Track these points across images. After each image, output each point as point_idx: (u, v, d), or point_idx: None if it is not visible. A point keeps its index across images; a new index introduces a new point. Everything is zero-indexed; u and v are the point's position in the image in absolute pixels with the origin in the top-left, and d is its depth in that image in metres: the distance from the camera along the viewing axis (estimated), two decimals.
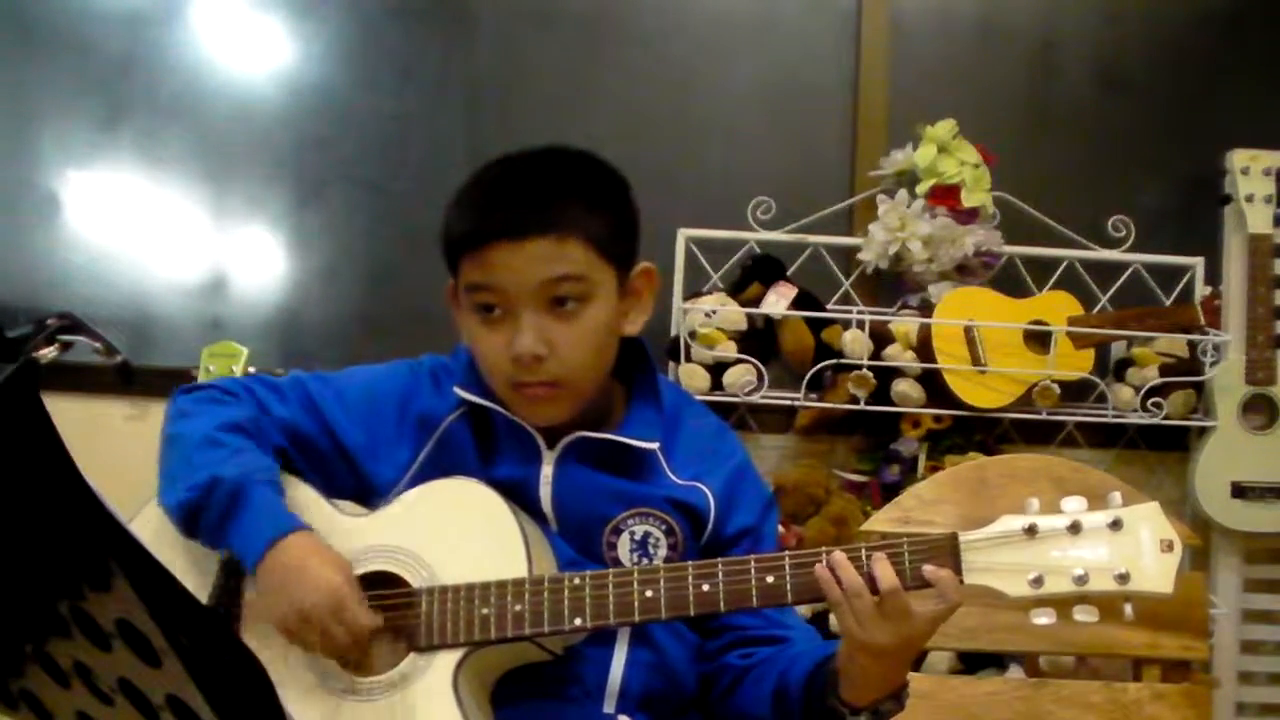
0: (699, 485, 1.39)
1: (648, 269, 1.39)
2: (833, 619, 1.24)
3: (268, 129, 2.60)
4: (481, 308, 1.32)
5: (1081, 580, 1.16)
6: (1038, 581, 1.17)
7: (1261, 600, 2.58)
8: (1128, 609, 1.17)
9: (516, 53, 2.64)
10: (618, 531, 1.36)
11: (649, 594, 1.25)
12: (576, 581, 1.26)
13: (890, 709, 1.24)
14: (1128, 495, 1.20)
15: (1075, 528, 1.18)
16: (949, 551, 1.20)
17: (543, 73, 2.63)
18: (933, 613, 1.19)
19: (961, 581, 1.20)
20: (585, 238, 1.30)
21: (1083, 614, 1.18)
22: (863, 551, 1.21)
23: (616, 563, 1.35)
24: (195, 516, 1.30)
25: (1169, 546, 1.17)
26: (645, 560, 1.35)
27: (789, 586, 1.23)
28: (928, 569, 1.19)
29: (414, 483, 1.37)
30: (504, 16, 2.64)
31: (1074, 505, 1.20)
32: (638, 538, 1.36)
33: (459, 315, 1.39)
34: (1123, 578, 1.16)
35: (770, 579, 1.23)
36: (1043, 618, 1.19)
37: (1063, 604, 1.18)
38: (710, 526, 1.38)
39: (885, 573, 1.18)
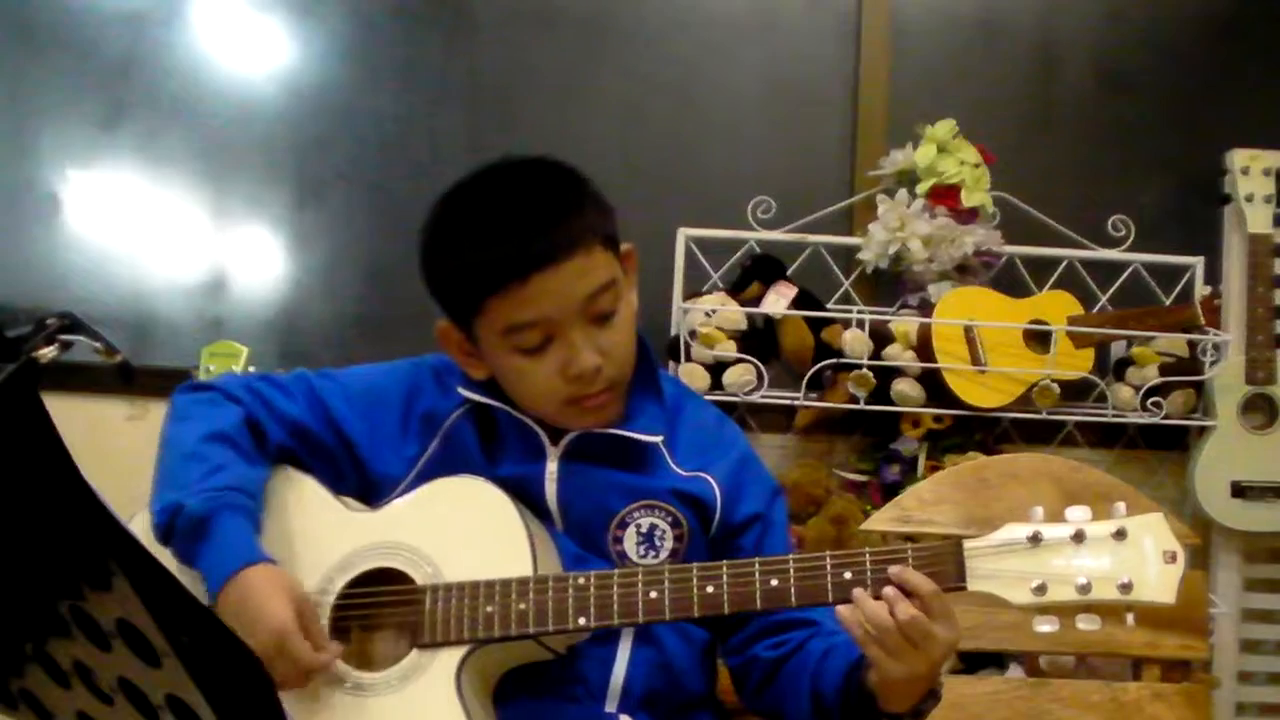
0: (703, 476, 1.39)
1: (630, 250, 1.39)
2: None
3: (268, 129, 2.60)
4: (522, 345, 1.30)
5: (1085, 589, 1.17)
6: (1041, 590, 1.18)
7: (1261, 600, 2.58)
8: (1130, 618, 1.18)
9: (516, 53, 2.64)
10: (623, 525, 1.36)
11: (653, 594, 1.25)
12: (581, 580, 1.26)
13: (929, 706, 1.26)
14: (1132, 503, 1.20)
15: (1079, 537, 1.18)
16: (953, 558, 1.20)
17: (543, 73, 2.63)
18: (937, 615, 1.19)
19: (965, 588, 1.20)
20: (602, 242, 1.31)
21: (1085, 623, 1.18)
22: (867, 560, 1.21)
23: (623, 557, 1.36)
24: (166, 541, 1.29)
25: (1172, 558, 1.17)
26: (652, 554, 1.36)
27: (793, 590, 1.23)
28: (893, 569, 1.19)
29: (419, 479, 1.38)
30: (504, 16, 2.64)
31: (1078, 514, 1.20)
32: (644, 531, 1.36)
33: (469, 356, 1.37)
34: (1126, 587, 1.16)
35: (774, 582, 1.23)
36: (1045, 625, 1.19)
37: (1066, 612, 1.19)
38: (718, 516, 1.39)
39: (919, 580, 1.18)
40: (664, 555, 1.36)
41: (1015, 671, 2.08)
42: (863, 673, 1.25)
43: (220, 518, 1.27)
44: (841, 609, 1.20)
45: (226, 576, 1.24)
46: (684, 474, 1.39)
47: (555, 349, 1.29)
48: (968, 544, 1.21)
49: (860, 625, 1.19)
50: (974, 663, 2.18)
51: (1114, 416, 2.49)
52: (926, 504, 1.74)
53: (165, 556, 1.33)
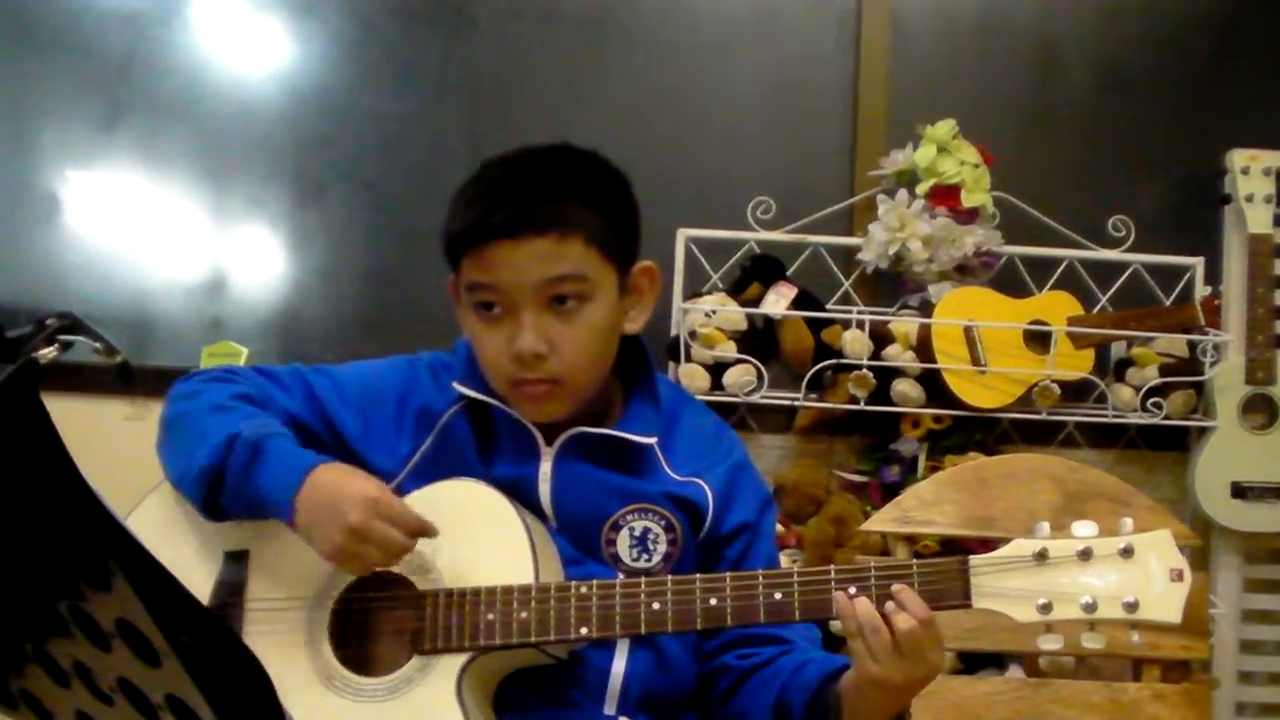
0: (697, 481, 1.39)
1: (649, 267, 1.39)
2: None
3: (268, 129, 2.60)
4: (481, 305, 1.32)
5: (1090, 608, 1.16)
6: (1046, 608, 1.17)
7: (1261, 600, 2.58)
8: (1135, 636, 1.17)
9: (516, 53, 2.64)
10: (617, 528, 1.36)
11: (655, 606, 1.25)
12: (583, 590, 1.26)
13: None
14: (1139, 520, 1.20)
15: (1086, 554, 1.17)
16: (958, 576, 1.20)
17: (543, 73, 2.63)
18: (936, 648, 1.19)
19: (970, 606, 1.20)
20: (586, 237, 1.30)
21: (1090, 641, 1.18)
22: (872, 575, 1.21)
23: (616, 559, 1.35)
24: (219, 480, 1.29)
25: (1179, 576, 1.16)
26: (645, 557, 1.35)
27: (796, 604, 1.23)
28: (895, 587, 1.19)
29: (413, 476, 1.37)
30: (504, 16, 2.64)
31: (1085, 530, 1.19)
32: (637, 534, 1.36)
33: (460, 311, 1.39)
34: (1131, 606, 1.15)
35: (778, 595, 1.23)
36: (1050, 643, 1.19)
37: (1070, 630, 1.18)
38: (708, 522, 1.38)
39: (918, 606, 1.18)
40: (657, 559, 1.36)
41: (1015, 671, 2.08)
42: (833, 687, 1.25)
43: (274, 439, 1.29)
44: (839, 596, 1.20)
45: (299, 480, 1.25)
46: (678, 478, 1.39)
47: (507, 322, 1.31)
48: (973, 560, 1.20)
49: (853, 619, 1.19)
50: (974, 663, 2.18)
51: (1114, 417, 2.49)
52: (926, 504, 1.74)
53: (179, 553, 1.33)
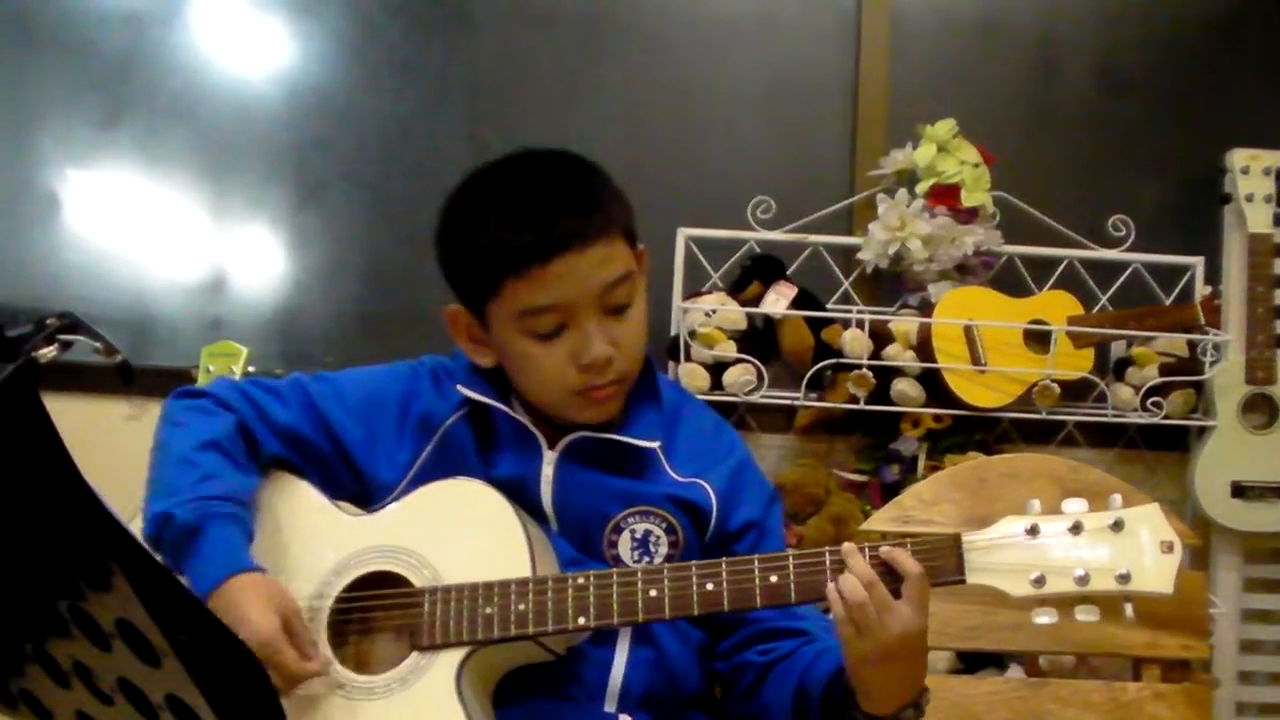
0: (700, 482, 1.39)
1: (643, 251, 1.39)
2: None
3: (268, 129, 2.60)
4: (535, 330, 1.29)
5: (1083, 580, 1.18)
6: (1039, 581, 1.19)
7: (1261, 600, 2.58)
8: (1128, 609, 1.19)
9: (516, 53, 2.64)
10: (619, 530, 1.36)
11: (653, 593, 1.25)
12: (580, 581, 1.26)
13: (910, 717, 1.24)
14: (1128, 496, 1.22)
15: (1077, 528, 1.19)
16: (952, 551, 1.21)
17: (543, 73, 2.63)
18: (911, 597, 1.18)
19: (964, 581, 1.20)
20: (623, 234, 1.32)
21: (1084, 614, 1.20)
22: (866, 553, 1.21)
23: (617, 561, 1.35)
24: (156, 549, 1.28)
25: (1169, 548, 1.18)
26: (646, 559, 1.36)
27: (792, 586, 1.23)
28: (884, 549, 1.20)
29: (415, 483, 1.37)
30: (504, 16, 2.64)
31: (1075, 506, 1.21)
32: (638, 536, 1.36)
33: (477, 343, 1.37)
34: (1124, 578, 1.17)
35: (774, 578, 1.23)
36: (1044, 617, 1.21)
37: (1064, 604, 1.20)
38: (713, 523, 1.38)
39: (909, 564, 1.19)
40: (658, 561, 1.36)
41: (1015, 671, 2.08)
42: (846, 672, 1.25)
43: (209, 527, 1.26)
44: (830, 587, 1.20)
45: (212, 586, 1.23)
46: (681, 480, 1.39)
47: (568, 336, 1.29)
48: (966, 537, 1.22)
49: (838, 601, 1.19)
50: (974, 663, 2.18)
51: (1114, 416, 2.49)
52: (926, 504, 1.74)
53: None
